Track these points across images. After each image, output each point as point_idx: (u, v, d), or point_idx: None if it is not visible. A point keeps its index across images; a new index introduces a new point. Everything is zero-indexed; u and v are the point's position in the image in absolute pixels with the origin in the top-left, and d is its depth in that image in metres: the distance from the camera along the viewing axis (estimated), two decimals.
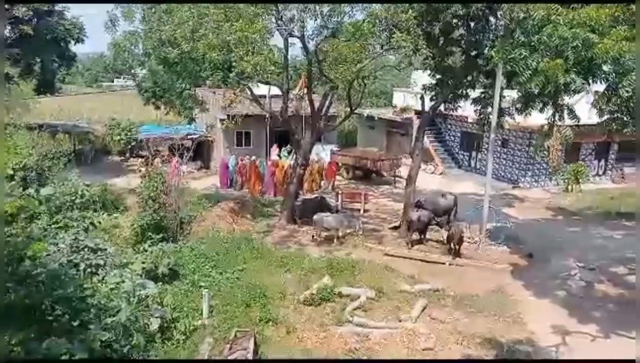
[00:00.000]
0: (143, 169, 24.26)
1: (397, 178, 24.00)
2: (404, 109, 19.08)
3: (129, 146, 28.15)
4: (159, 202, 15.58)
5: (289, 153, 24.72)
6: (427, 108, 16.89)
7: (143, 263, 11.47)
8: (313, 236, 16.02)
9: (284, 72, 17.04)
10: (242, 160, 22.63)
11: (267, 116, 24.57)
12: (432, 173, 26.79)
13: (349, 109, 18.81)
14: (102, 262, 9.50)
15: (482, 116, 16.42)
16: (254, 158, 22.59)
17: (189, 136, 25.51)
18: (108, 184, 20.73)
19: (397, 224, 17.37)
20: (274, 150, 25.21)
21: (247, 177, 22.18)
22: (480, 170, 25.84)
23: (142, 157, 27.76)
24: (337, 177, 23.55)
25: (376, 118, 31.22)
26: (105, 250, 9.36)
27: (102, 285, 8.26)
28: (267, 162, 22.75)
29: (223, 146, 25.72)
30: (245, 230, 16.56)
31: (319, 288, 12.07)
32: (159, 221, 15.11)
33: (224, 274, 12.71)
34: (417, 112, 26.48)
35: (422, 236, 16.01)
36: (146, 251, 12.48)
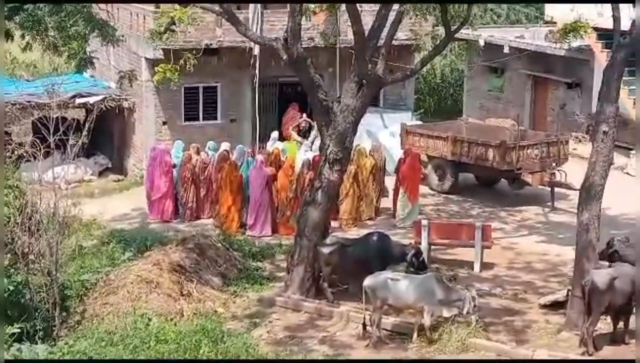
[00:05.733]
0: None
1: (558, 187, 23.88)
2: (571, 29, 18.68)
3: None
4: (13, 251, 15.76)
5: (305, 133, 24.84)
6: (626, 25, 16.76)
7: None
8: (364, 327, 16.06)
9: None
10: (197, 152, 22.88)
11: (255, 50, 24.85)
12: None
13: (442, 32, 18.75)
14: None
15: None
16: (225, 146, 22.79)
17: (77, 101, 25.95)
18: None
19: (559, 296, 17.28)
20: (284, 131, 25.36)
21: (211, 190, 22.41)
22: None
23: None
24: (421, 187, 23.53)
25: (506, 49, 31.12)
26: None
27: None
28: (254, 155, 22.93)
29: (155, 121, 26.09)
30: (209, 313, 16.65)
31: None
32: (13, 294, 15.29)
33: None
34: (604, 35, 26.19)
35: (623, 325, 15.85)
36: None
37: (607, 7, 17.22)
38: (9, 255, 15.84)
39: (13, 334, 14.19)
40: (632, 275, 15.68)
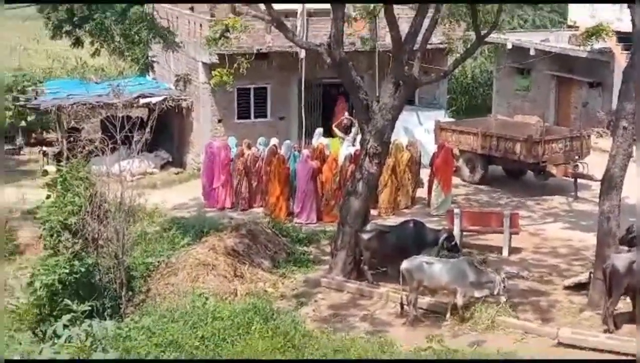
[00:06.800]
0: (50, 168, 25.05)
1: (581, 178, 23.72)
2: (593, 33, 18.51)
3: (22, 123, 29.19)
4: (84, 237, 15.99)
5: (347, 129, 24.87)
6: None
7: None
8: (402, 306, 16.09)
9: None
10: (249, 147, 22.98)
11: (301, 55, 24.90)
12: None
13: (473, 36, 18.65)
14: None
15: None
16: (274, 142, 22.87)
17: (141, 101, 26.22)
18: None
19: (581, 279, 17.21)
20: (335, 119, 25.38)
21: (262, 182, 22.55)
22: None
23: (48, 144, 28.68)
24: (453, 178, 23.51)
25: (532, 52, 30.89)
26: None
27: None
28: (300, 150, 23.00)
29: (211, 120, 26.26)
30: (260, 293, 16.80)
31: None
32: (84, 275, 15.52)
33: None
34: (623, 38, 25.88)
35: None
36: (58, 337, 12.82)
37: (626, 12, 17.06)
38: (80, 240, 16.08)
39: (84, 311, 14.43)
40: None
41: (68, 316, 14.02)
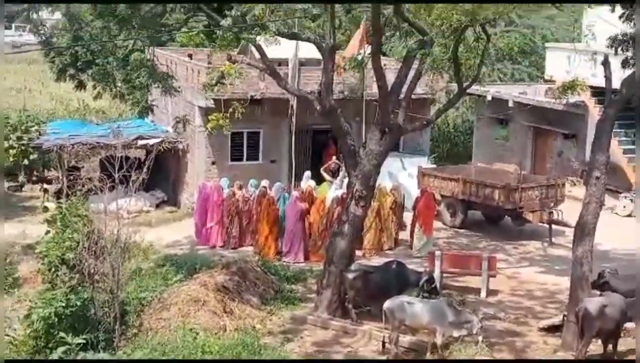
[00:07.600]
0: (51, 205, 25.01)
1: (556, 224, 23.76)
2: (568, 87, 18.70)
3: (25, 161, 29.17)
4: (80, 272, 15.89)
5: (334, 173, 24.95)
6: (616, 84, 16.71)
7: None
8: (383, 344, 16.02)
9: (327, 14, 17.29)
10: (240, 188, 22.96)
11: (292, 101, 25.05)
12: (629, 214, 26.29)
13: (455, 87, 18.81)
14: None
15: None
16: (264, 183, 22.87)
17: (139, 143, 26.23)
18: None
19: (555, 321, 17.19)
20: (322, 174, 25.43)
21: (252, 222, 22.49)
22: None
23: (49, 182, 28.65)
24: (435, 222, 23.54)
25: (511, 103, 31.12)
26: None
27: None
28: (290, 192, 23.00)
29: (205, 161, 26.27)
30: (249, 329, 16.71)
31: None
32: (80, 309, 15.40)
33: None
34: (597, 92, 26.15)
35: (612, 347, 15.75)
36: None
37: (600, 68, 17.25)
38: (77, 275, 15.99)
39: (79, 344, 14.30)
40: (620, 303, 15.60)
41: (63, 348, 13.92)
